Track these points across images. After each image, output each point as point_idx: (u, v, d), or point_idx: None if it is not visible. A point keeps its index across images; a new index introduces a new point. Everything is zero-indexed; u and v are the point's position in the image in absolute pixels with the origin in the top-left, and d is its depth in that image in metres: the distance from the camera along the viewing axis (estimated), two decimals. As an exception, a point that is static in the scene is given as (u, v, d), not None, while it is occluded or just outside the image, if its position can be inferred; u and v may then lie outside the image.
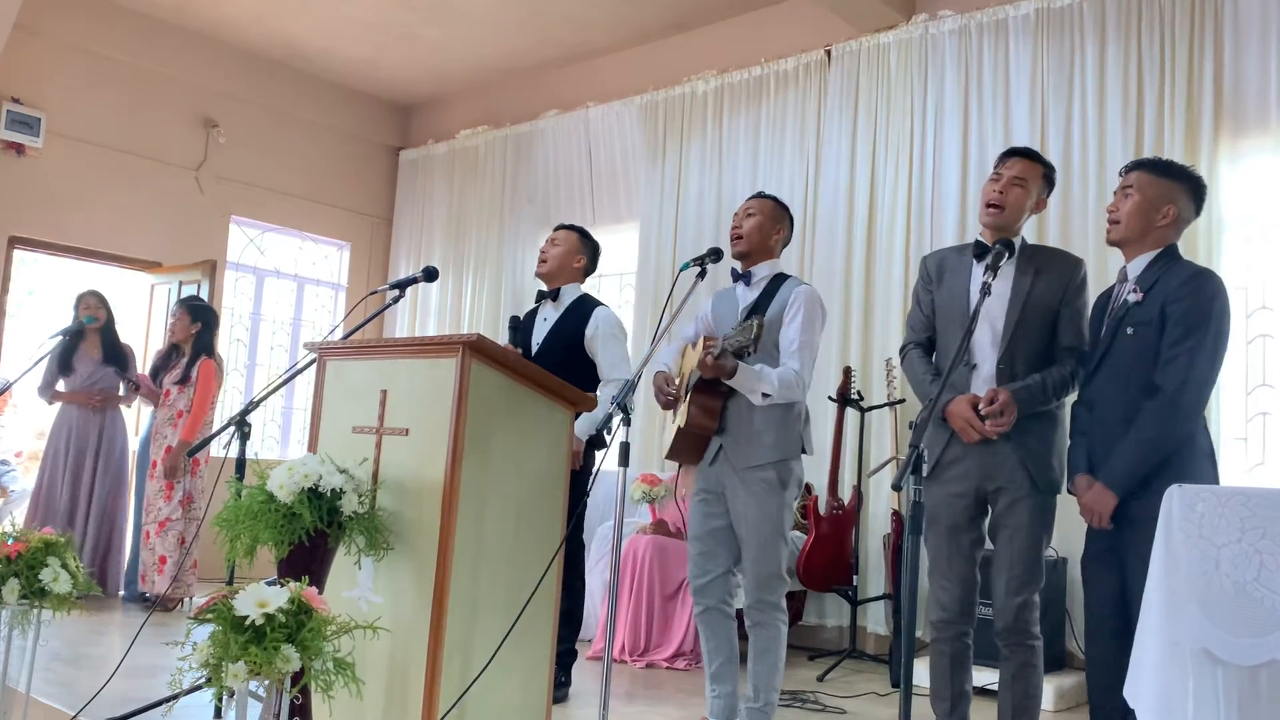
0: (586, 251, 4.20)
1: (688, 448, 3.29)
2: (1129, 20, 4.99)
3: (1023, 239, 3.03)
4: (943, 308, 3.08)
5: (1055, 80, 5.19)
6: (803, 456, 3.26)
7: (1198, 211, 2.89)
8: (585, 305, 4.09)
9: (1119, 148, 4.90)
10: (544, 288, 4.20)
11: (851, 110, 5.91)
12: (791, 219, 3.45)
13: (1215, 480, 2.81)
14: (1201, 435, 2.77)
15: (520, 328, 4.13)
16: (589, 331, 3.98)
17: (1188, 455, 2.70)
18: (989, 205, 3.00)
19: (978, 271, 2.98)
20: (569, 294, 4.13)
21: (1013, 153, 3.07)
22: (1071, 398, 2.99)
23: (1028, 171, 3.00)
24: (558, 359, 3.87)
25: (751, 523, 3.16)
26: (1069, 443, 2.97)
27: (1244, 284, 4.72)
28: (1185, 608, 1.96)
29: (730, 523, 3.23)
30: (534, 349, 4.04)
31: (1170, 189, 2.83)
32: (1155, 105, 4.85)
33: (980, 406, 2.86)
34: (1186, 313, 2.69)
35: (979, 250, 3.01)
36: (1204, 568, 1.96)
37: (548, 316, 4.11)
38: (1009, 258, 2.89)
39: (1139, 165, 2.90)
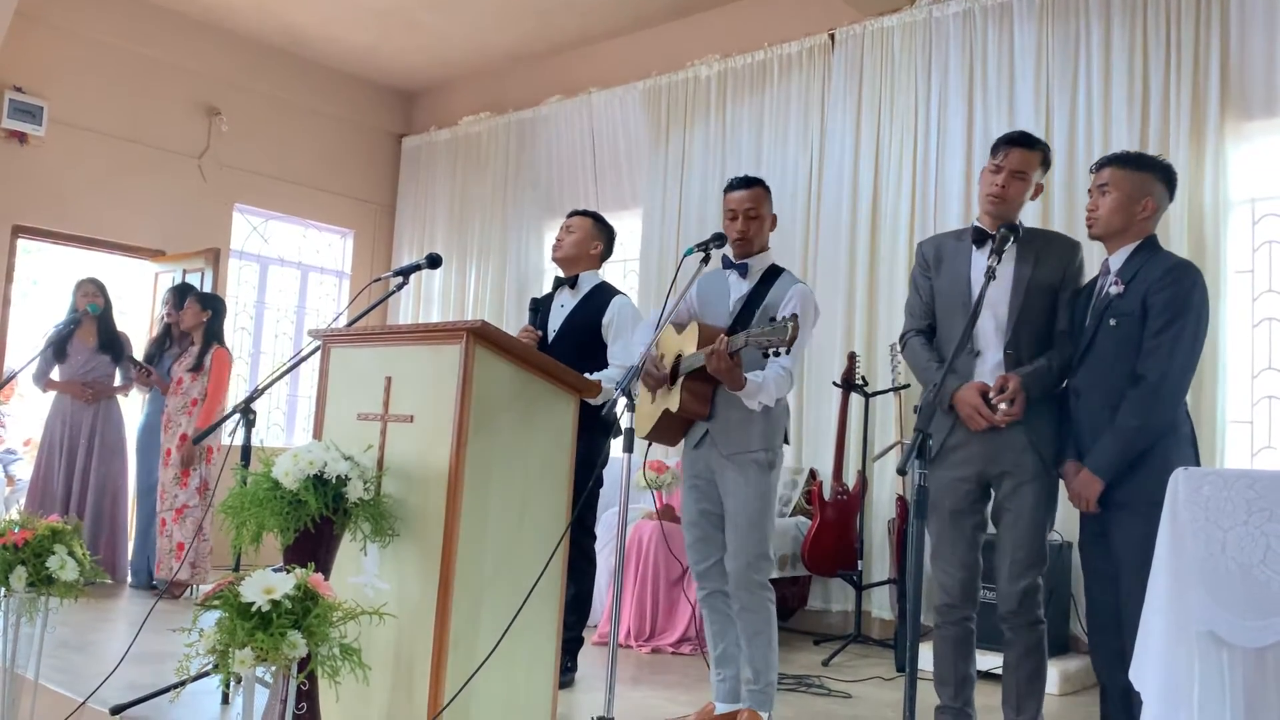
0: (603, 237, 4.18)
1: (669, 430, 3.32)
2: (1134, 2, 4.95)
3: (1021, 223, 3.00)
4: (943, 294, 3.07)
5: (1060, 63, 5.15)
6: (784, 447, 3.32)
7: (1171, 199, 2.96)
8: (605, 293, 4.08)
9: (1124, 130, 4.87)
10: (560, 274, 4.18)
11: (855, 94, 5.88)
12: (771, 193, 3.40)
13: (1196, 464, 2.87)
14: (1184, 421, 2.85)
15: (539, 309, 4.13)
16: (606, 318, 3.98)
17: (1171, 441, 2.78)
18: (990, 197, 2.99)
19: (978, 257, 2.99)
20: (587, 281, 4.11)
21: (1010, 141, 3.02)
22: None
23: (1027, 163, 2.99)
24: (575, 345, 3.90)
25: (740, 500, 3.18)
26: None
27: (1249, 267, 4.70)
28: (1191, 591, 1.96)
29: (721, 507, 3.26)
30: (550, 334, 4.04)
31: (1146, 181, 2.88)
32: (1161, 87, 4.82)
33: (991, 395, 2.86)
34: (1168, 303, 2.76)
35: (978, 236, 3.02)
36: (1210, 550, 1.95)
37: (565, 303, 4.10)
38: (1012, 242, 2.89)
39: (1110, 161, 2.94)
